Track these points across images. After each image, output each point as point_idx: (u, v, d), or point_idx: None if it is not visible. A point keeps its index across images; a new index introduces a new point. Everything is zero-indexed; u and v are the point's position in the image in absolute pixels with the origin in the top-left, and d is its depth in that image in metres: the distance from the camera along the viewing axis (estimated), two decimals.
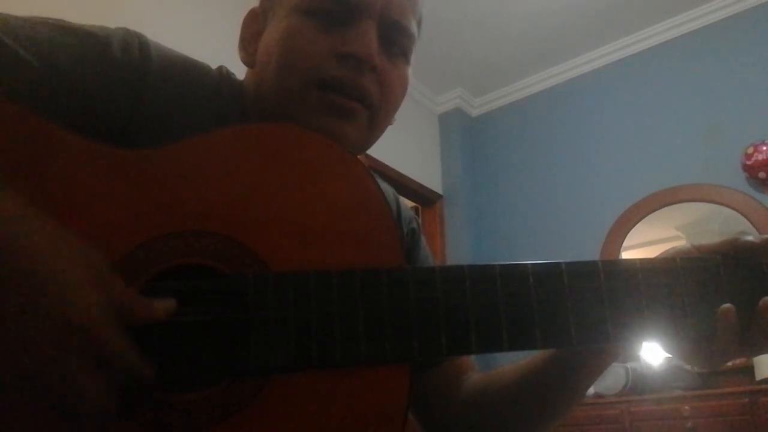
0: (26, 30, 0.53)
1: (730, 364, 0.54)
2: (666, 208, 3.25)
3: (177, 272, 0.46)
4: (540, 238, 3.59)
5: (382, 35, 0.62)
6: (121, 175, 0.48)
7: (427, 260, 0.78)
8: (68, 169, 0.47)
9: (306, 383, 0.45)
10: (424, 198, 3.87)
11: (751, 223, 2.96)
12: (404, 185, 3.59)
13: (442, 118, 4.15)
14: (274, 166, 0.51)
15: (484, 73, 3.89)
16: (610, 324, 0.50)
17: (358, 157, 0.57)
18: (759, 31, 3.16)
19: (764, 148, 2.97)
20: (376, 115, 0.63)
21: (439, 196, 3.94)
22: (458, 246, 3.75)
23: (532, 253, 3.47)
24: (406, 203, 0.84)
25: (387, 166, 3.37)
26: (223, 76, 0.68)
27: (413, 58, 0.68)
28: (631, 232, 3.32)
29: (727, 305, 0.50)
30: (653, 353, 2.91)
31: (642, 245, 3.31)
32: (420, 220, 0.82)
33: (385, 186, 0.71)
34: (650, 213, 3.29)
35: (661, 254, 0.55)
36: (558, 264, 0.50)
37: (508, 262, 0.50)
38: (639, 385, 2.84)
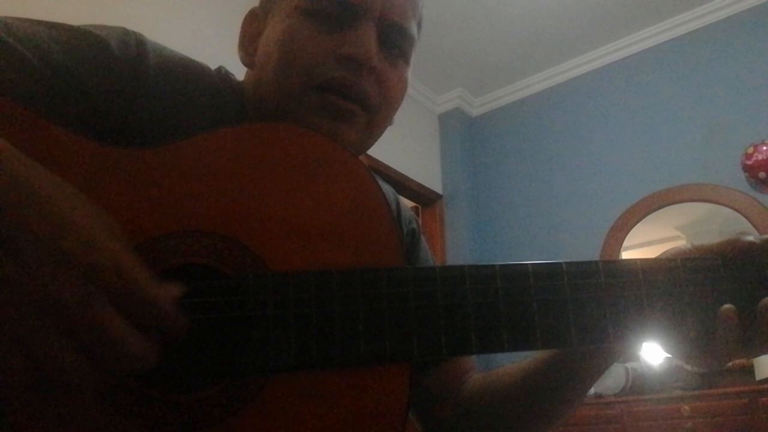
0: (26, 30, 0.53)
1: (730, 364, 0.54)
2: (666, 208, 3.25)
3: (177, 272, 0.46)
4: (540, 238, 3.59)
5: (381, 37, 0.62)
6: (120, 174, 0.48)
7: (427, 260, 0.78)
8: (66, 168, 0.47)
9: (306, 383, 0.45)
10: (424, 198, 3.87)
11: (751, 223, 2.96)
12: (404, 185, 3.59)
13: (442, 118, 4.15)
14: (274, 165, 0.51)
15: (484, 73, 3.89)
16: (611, 324, 0.50)
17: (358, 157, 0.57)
18: (759, 31, 3.16)
19: (764, 148, 2.97)
20: (374, 116, 0.63)
21: (439, 196, 3.94)
22: (458, 246, 3.75)
23: (532, 253, 3.48)
24: (406, 203, 0.84)
25: (387, 166, 3.38)
26: (222, 76, 0.68)
27: (413, 59, 0.68)
28: (631, 232, 3.32)
29: (728, 305, 0.50)
30: (653, 353, 2.91)
31: (642, 245, 3.31)
32: (420, 220, 0.82)
33: (385, 186, 0.71)
34: (650, 213, 3.29)
35: (661, 254, 0.55)
36: (559, 264, 0.50)
37: (508, 262, 0.50)
38: (639, 385, 2.84)
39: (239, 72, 0.70)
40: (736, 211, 3.03)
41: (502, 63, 3.77)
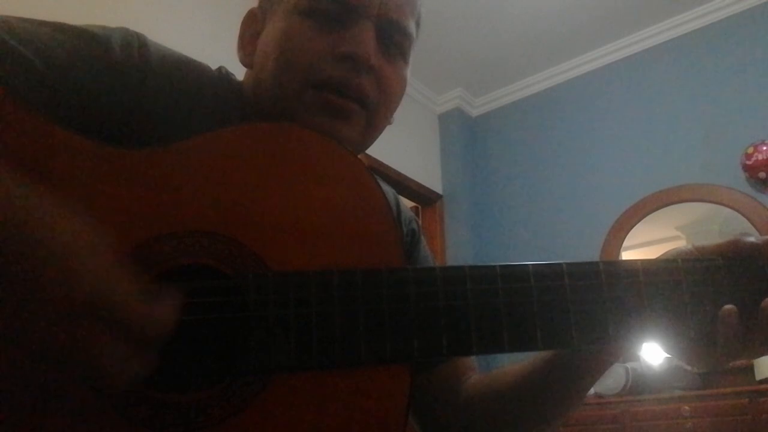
0: (26, 30, 0.53)
1: (730, 364, 0.54)
2: (666, 208, 3.25)
3: (177, 273, 0.46)
4: (540, 238, 3.59)
5: (380, 35, 0.62)
6: (121, 174, 0.48)
7: (427, 260, 0.78)
8: (69, 169, 0.47)
9: (306, 383, 0.45)
10: (424, 198, 3.87)
11: (751, 223, 2.96)
12: (404, 185, 3.59)
13: (442, 118, 4.15)
14: (274, 165, 0.51)
15: (484, 73, 3.89)
16: (611, 325, 0.49)
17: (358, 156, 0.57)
18: (759, 31, 3.16)
19: (764, 148, 2.97)
20: (373, 115, 0.63)
21: (439, 196, 3.94)
22: (458, 246, 3.75)
23: (532, 253, 3.48)
24: (406, 203, 0.84)
25: (387, 166, 3.37)
26: (222, 76, 0.68)
27: (412, 58, 0.68)
28: (631, 232, 3.32)
29: (729, 306, 0.50)
30: (653, 353, 2.91)
31: (642, 245, 3.31)
32: (420, 221, 0.82)
33: (385, 186, 0.71)
34: (650, 213, 3.29)
35: (662, 255, 0.55)
36: (559, 264, 0.50)
37: (508, 263, 0.50)
38: (639, 385, 2.84)
39: (239, 72, 0.70)
40: (736, 211, 3.03)
41: (502, 63, 3.77)
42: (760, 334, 0.50)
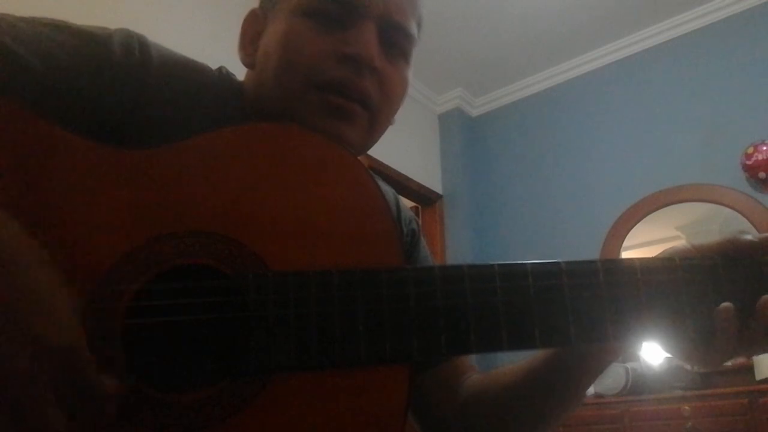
0: (27, 31, 0.53)
1: (729, 363, 0.54)
2: (666, 208, 3.25)
3: (177, 273, 0.46)
4: (540, 238, 3.59)
5: (382, 36, 0.62)
6: (122, 175, 0.48)
7: (427, 261, 0.78)
8: (69, 169, 0.47)
9: (306, 383, 0.45)
10: (424, 198, 3.87)
11: (751, 223, 2.96)
12: (404, 185, 3.59)
13: (442, 118, 4.15)
14: (274, 165, 0.51)
15: (484, 73, 3.89)
16: (609, 323, 0.50)
17: (358, 157, 0.57)
18: (759, 31, 3.16)
19: (764, 148, 2.97)
20: (376, 116, 0.63)
21: (439, 196, 3.94)
22: (458, 246, 3.75)
23: (532, 253, 3.47)
24: (406, 203, 0.84)
25: (387, 166, 3.37)
26: (223, 76, 0.68)
27: (413, 59, 0.68)
28: (631, 232, 3.32)
29: (726, 304, 0.50)
30: (653, 353, 2.91)
31: (642, 245, 3.31)
32: (420, 221, 0.83)
33: (385, 187, 0.71)
34: (650, 213, 3.29)
35: (660, 254, 0.55)
36: (557, 263, 0.50)
37: (507, 262, 0.50)
38: (639, 385, 2.84)
39: (239, 72, 0.70)
40: (736, 211, 3.03)
41: (502, 63, 3.77)
42: (758, 332, 0.50)
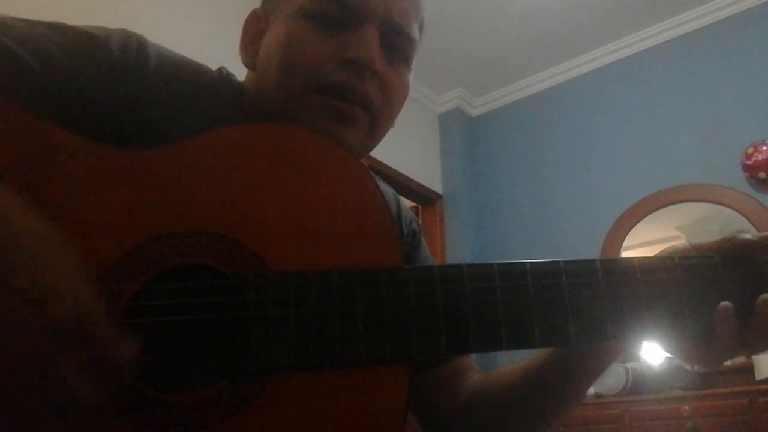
0: (25, 32, 0.53)
1: (729, 363, 0.54)
2: (666, 208, 3.25)
3: (177, 273, 0.46)
4: (540, 238, 3.59)
5: (383, 40, 0.62)
6: (121, 175, 0.48)
7: (427, 261, 0.78)
8: (68, 170, 0.47)
9: (306, 383, 0.45)
10: (424, 198, 3.87)
11: (751, 223, 2.96)
12: (404, 185, 3.59)
13: (442, 118, 4.15)
14: (274, 166, 0.51)
15: (484, 73, 3.89)
16: (609, 322, 0.50)
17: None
18: (759, 31, 3.16)
19: (764, 148, 2.97)
20: (376, 119, 0.63)
21: (439, 196, 3.94)
22: (458, 246, 3.75)
23: (531, 253, 3.46)
24: (406, 203, 0.84)
25: (387, 166, 3.37)
26: (223, 77, 0.68)
27: (414, 62, 0.68)
28: (631, 232, 3.32)
29: (726, 303, 0.50)
30: (653, 353, 2.91)
31: (642, 245, 3.31)
32: (420, 221, 0.83)
33: (385, 187, 0.71)
34: (650, 213, 3.29)
35: (659, 253, 0.55)
36: (557, 262, 0.50)
37: (506, 261, 0.50)
38: (639, 385, 2.84)
39: (240, 73, 0.70)
40: (736, 211, 3.03)
41: (502, 63, 3.77)
42: (758, 331, 0.50)
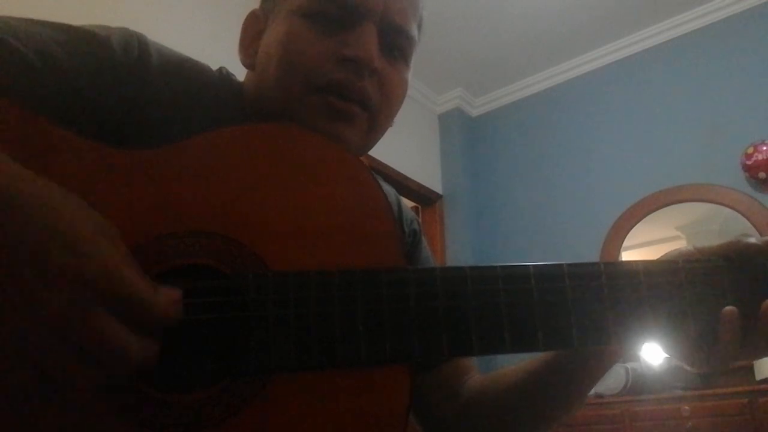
0: (26, 31, 0.53)
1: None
2: (666, 208, 3.25)
3: (176, 273, 0.46)
4: (540, 238, 3.59)
5: (382, 38, 0.62)
6: (120, 174, 0.48)
7: (428, 261, 0.78)
8: (68, 169, 0.47)
9: (306, 384, 0.45)
10: (424, 198, 3.87)
11: (751, 223, 2.96)
12: (404, 185, 3.59)
13: (442, 118, 4.15)
14: (274, 165, 0.51)
15: (484, 73, 3.89)
16: (612, 325, 0.49)
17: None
18: (759, 31, 3.16)
19: (764, 148, 2.97)
20: (375, 118, 0.63)
21: (439, 196, 3.94)
22: (458, 246, 3.75)
23: (531, 253, 3.48)
24: (407, 203, 0.84)
25: (387, 166, 3.38)
26: (223, 77, 0.68)
27: (413, 60, 0.68)
28: (631, 232, 3.32)
29: (730, 307, 0.50)
30: (653, 353, 2.90)
31: (642, 245, 3.31)
32: (420, 221, 0.82)
33: (386, 187, 0.71)
34: (650, 213, 3.29)
35: (662, 256, 0.55)
36: (560, 265, 0.50)
37: (509, 264, 0.50)
38: (639, 385, 2.84)
39: (239, 73, 0.70)
40: (736, 211, 3.03)
41: (502, 63, 3.77)
42: (761, 336, 0.50)
